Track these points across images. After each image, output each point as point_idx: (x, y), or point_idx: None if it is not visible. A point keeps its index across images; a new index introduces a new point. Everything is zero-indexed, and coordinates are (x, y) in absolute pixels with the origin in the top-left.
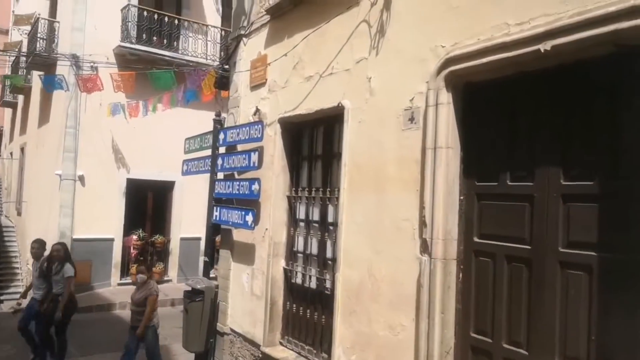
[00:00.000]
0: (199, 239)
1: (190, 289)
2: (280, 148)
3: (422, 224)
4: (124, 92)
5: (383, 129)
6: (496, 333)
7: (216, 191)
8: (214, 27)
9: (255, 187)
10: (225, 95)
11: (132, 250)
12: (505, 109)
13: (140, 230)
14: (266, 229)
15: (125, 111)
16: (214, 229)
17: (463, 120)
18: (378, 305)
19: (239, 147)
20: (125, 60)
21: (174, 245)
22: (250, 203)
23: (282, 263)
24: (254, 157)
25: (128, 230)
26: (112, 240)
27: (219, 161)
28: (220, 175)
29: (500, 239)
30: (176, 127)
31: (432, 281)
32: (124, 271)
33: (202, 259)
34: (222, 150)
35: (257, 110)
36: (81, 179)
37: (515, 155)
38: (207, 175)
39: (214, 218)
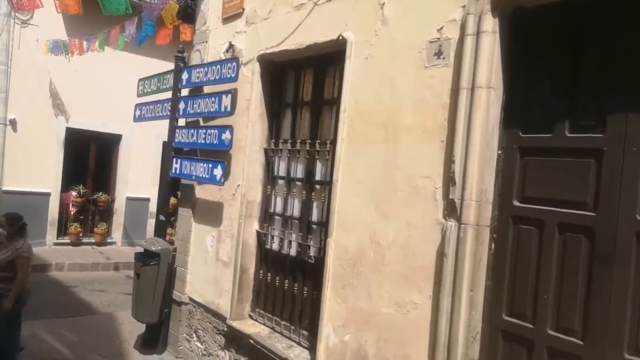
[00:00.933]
0: (147, 199)
1: (143, 250)
2: (259, 91)
3: (451, 181)
4: (69, 13)
5: (398, 66)
6: (539, 317)
7: (176, 140)
8: None
9: (226, 136)
10: (186, 39)
11: (70, 208)
12: (567, 42)
13: (81, 187)
14: (238, 186)
15: (67, 49)
16: (171, 184)
17: (508, 56)
18: (382, 277)
19: (206, 90)
20: None
21: (119, 205)
22: (218, 154)
23: (256, 225)
24: (226, 100)
25: (67, 185)
26: (48, 195)
27: (181, 105)
28: (181, 122)
29: (551, 204)
30: (125, 73)
31: (461, 251)
32: (62, 230)
33: (150, 221)
34: (184, 92)
35: (231, 46)
36: (12, 123)
37: (578, 100)
38: (159, 130)
39: (173, 171)
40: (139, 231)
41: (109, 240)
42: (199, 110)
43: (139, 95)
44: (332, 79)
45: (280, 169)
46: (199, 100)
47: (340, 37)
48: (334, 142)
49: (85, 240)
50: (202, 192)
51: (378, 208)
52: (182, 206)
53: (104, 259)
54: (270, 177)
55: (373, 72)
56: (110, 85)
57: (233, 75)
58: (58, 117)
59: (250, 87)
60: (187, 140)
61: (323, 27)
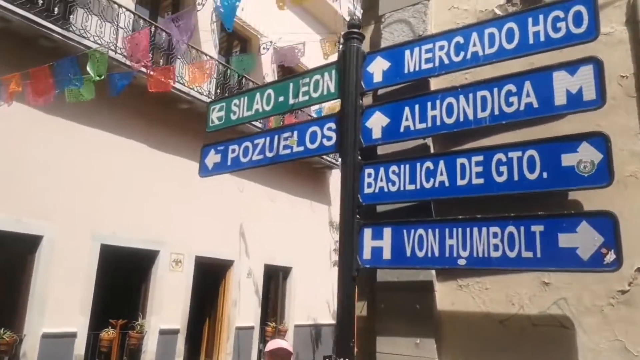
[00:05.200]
0: (72, 335)
1: None
2: None
3: None
4: None
5: None
6: None
7: (367, 192)
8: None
9: (586, 155)
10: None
11: None
12: None
13: None
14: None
15: None
16: (367, 284)
17: None
18: None
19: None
20: None
21: (30, 347)
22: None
23: None
24: (582, 77)
25: None
26: None
27: (374, 120)
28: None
29: None
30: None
31: None
32: None
33: None
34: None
35: None
36: None
37: None
38: (97, 226)
39: (370, 257)
40: None
41: None
42: (455, 119)
43: (219, 128)
44: None
45: None
46: (450, 98)
47: None
48: None
49: None
50: (463, 298)
51: None
52: (385, 334)
53: None
54: None
55: None
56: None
57: (588, 28)
58: None
59: None
60: (403, 187)
61: None
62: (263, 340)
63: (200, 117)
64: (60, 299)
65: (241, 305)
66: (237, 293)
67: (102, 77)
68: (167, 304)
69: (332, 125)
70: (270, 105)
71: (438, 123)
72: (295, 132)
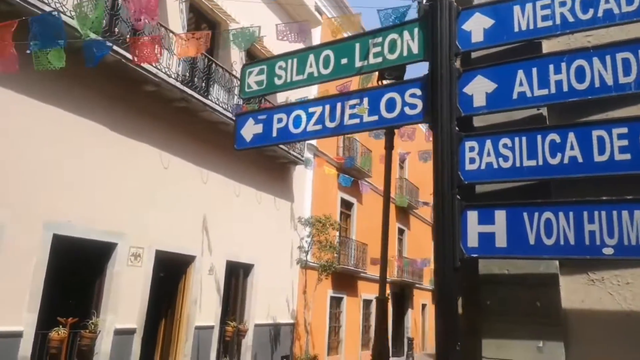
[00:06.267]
0: (17, 335)
1: None
2: None
3: None
4: None
5: None
6: None
7: (469, 168)
8: None
9: None
10: None
11: None
12: None
13: None
14: None
15: None
16: (467, 279)
17: None
18: None
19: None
20: None
21: None
22: None
23: None
24: None
25: None
26: None
27: (479, 83)
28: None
29: None
30: None
31: None
32: None
33: None
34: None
35: None
36: None
37: None
38: (50, 214)
39: (477, 245)
40: None
41: None
42: (588, 84)
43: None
44: None
45: None
46: (580, 60)
47: None
48: None
49: None
50: (596, 294)
51: None
52: (493, 335)
53: None
54: None
55: None
56: None
57: None
58: None
59: None
60: (520, 164)
61: None
62: (222, 340)
63: (168, 102)
64: (5, 293)
65: (202, 304)
66: (198, 290)
67: (63, 45)
68: (124, 302)
69: (417, 91)
70: (330, 68)
71: (565, 89)
72: (366, 99)
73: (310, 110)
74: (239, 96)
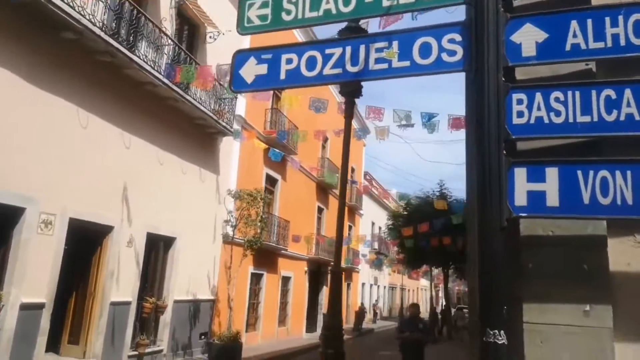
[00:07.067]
0: None
1: None
2: None
3: None
4: None
5: None
6: None
7: (521, 121)
8: None
9: None
10: None
11: None
12: None
13: None
14: None
15: None
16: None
17: None
18: None
19: None
20: None
21: None
22: None
23: None
24: None
25: None
26: None
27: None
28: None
29: None
30: None
31: None
32: None
33: None
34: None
35: None
36: None
37: None
38: None
39: (526, 202)
40: None
41: None
42: None
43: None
44: None
45: None
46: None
47: None
48: None
49: None
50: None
51: None
52: (535, 300)
53: None
54: None
55: None
56: None
57: None
58: None
59: None
60: (573, 119)
61: None
62: (140, 317)
63: (90, 54)
64: None
65: (119, 278)
66: (116, 263)
67: None
68: (32, 273)
69: (456, 36)
70: (351, 5)
71: (622, 43)
72: (396, 42)
73: (327, 51)
74: (237, 31)
